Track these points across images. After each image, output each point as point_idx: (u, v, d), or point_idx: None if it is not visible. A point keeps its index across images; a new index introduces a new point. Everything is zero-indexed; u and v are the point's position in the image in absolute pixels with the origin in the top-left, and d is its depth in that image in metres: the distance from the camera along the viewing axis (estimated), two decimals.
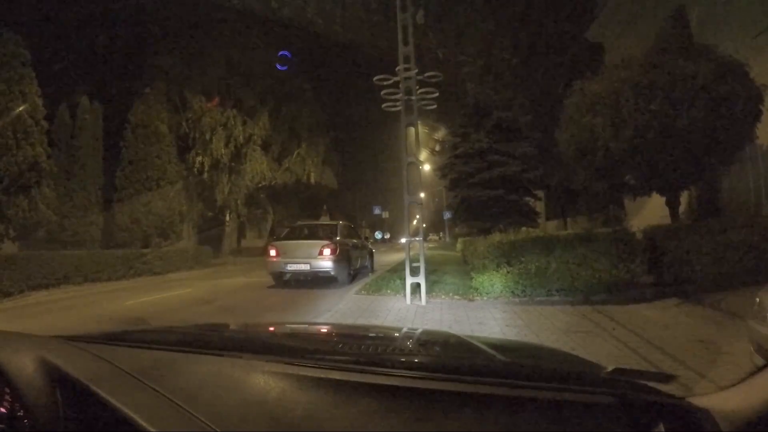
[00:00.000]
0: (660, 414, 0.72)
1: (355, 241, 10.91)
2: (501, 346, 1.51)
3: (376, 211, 28.50)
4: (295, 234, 10.28)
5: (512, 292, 6.59)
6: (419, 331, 2.51)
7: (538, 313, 5.65)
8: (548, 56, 18.03)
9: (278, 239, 10.76)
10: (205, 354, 0.99)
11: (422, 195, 8.72)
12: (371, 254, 12.47)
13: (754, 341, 2.59)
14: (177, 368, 0.90)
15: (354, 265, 10.35)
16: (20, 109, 11.60)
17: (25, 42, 12.35)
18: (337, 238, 9.51)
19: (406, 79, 7.20)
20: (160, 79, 20.31)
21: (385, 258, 18.03)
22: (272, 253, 9.56)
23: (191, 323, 2.71)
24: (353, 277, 10.10)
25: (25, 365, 0.79)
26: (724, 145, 6.98)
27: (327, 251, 9.07)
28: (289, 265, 9.28)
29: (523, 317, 5.43)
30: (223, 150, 22.11)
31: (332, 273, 9.18)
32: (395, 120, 7.56)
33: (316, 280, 9.56)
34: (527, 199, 17.36)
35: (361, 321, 5.61)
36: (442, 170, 19.44)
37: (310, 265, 9.10)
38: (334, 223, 11.20)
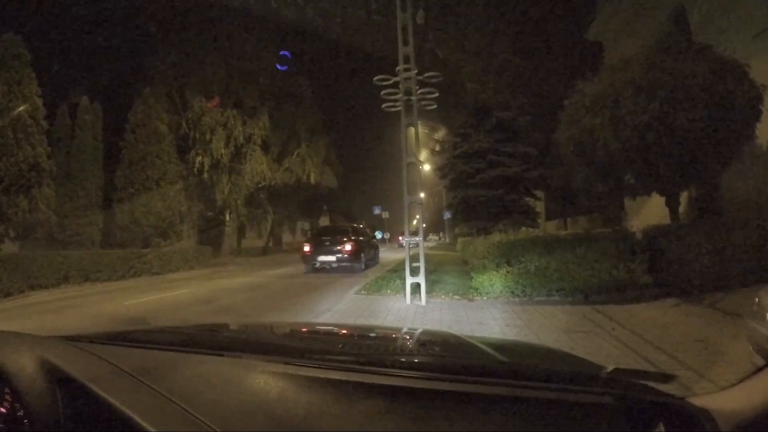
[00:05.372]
0: (660, 414, 0.71)
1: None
2: (501, 346, 1.51)
3: (376, 211, 28.45)
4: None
5: (512, 292, 6.58)
6: (419, 331, 2.50)
7: (538, 313, 5.64)
8: (548, 56, 18.02)
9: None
10: (205, 354, 0.99)
11: (422, 195, 8.73)
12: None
13: (754, 341, 2.59)
14: (177, 368, 0.90)
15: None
16: (20, 109, 11.59)
17: (25, 42, 12.34)
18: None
19: (406, 79, 7.19)
20: (160, 79, 20.31)
21: (385, 258, 18.02)
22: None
23: (191, 323, 2.70)
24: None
25: (25, 365, 0.79)
26: (723, 145, 6.95)
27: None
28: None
29: (523, 317, 5.42)
30: (223, 150, 22.06)
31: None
32: (395, 120, 7.55)
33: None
34: (527, 199, 17.32)
35: (361, 321, 5.60)
36: (442, 170, 19.41)
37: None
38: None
